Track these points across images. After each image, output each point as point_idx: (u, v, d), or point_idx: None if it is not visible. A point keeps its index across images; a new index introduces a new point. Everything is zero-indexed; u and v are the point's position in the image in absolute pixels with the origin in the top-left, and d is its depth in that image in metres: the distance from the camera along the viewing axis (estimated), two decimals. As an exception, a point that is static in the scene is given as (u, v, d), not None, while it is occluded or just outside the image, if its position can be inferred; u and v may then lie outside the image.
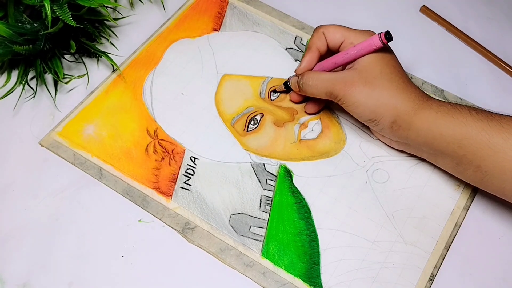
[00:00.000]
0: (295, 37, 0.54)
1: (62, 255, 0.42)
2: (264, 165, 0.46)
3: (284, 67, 0.51)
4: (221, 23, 0.55)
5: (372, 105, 0.42)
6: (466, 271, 0.42)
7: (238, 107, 0.49)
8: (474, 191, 0.45)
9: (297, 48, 0.53)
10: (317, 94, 0.45)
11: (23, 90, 0.49)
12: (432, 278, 0.41)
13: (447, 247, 0.42)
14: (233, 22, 0.55)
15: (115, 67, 0.50)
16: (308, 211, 0.44)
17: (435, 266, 0.41)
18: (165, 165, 0.46)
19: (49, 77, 0.51)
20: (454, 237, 0.43)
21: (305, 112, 0.49)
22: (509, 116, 0.39)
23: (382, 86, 0.42)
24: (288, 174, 0.46)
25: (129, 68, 0.52)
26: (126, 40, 0.54)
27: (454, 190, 0.45)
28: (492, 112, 0.40)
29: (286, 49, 0.53)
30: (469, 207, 0.44)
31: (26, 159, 0.46)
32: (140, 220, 0.43)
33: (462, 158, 0.40)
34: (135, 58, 0.52)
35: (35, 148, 0.47)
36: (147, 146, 0.47)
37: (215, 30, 0.55)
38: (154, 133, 0.47)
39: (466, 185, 0.45)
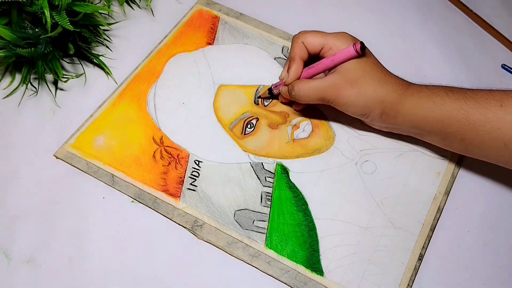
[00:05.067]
0: (282, 47, 0.56)
1: (62, 234, 0.44)
2: (262, 164, 0.48)
3: (274, 75, 0.53)
4: (214, 37, 0.57)
5: (361, 102, 0.44)
6: (450, 250, 0.44)
7: (235, 113, 0.51)
8: (453, 178, 0.47)
9: (284, 58, 0.55)
10: (310, 101, 0.47)
11: (27, 89, 0.51)
12: (421, 258, 0.43)
13: (432, 229, 0.44)
14: (225, 36, 0.57)
15: (106, 70, 0.52)
16: (305, 204, 0.45)
17: (423, 247, 0.43)
18: (172, 169, 0.47)
19: (49, 77, 0.53)
20: (438, 220, 0.45)
21: (294, 109, 0.51)
22: (483, 90, 0.41)
23: (367, 84, 0.44)
24: (284, 171, 0.47)
25: (132, 82, 0.53)
26: (128, 56, 0.55)
27: (435, 178, 0.47)
28: (467, 89, 0.42)
29: (275, 59, 0.55)
30: (449, 192, 0.46)
31: (29, 150, 0.48)
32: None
33: (447, 134, 0.42)
34: (138, 73, 0.53)
35: (36, 140, 0.49)
36: (154, 152, 0.48)
37: (209, 44, 0.56)
38: (160, 140, 0.49)
39: (446, 172, 0.47)
